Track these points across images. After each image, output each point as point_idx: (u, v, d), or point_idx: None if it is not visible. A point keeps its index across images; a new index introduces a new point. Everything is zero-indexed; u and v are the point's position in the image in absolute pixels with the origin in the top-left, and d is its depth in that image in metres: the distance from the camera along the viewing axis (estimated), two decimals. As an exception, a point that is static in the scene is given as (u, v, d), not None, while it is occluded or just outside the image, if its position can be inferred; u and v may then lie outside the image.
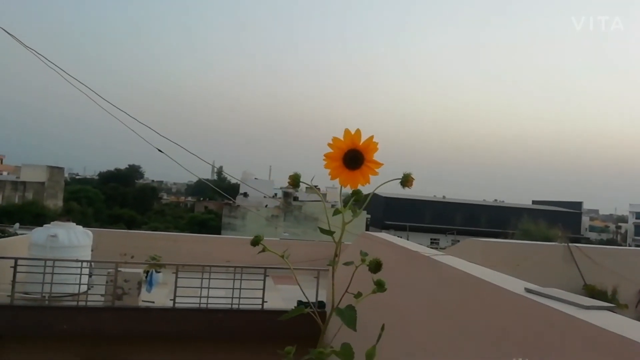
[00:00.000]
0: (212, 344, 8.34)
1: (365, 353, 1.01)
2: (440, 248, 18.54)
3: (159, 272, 9.65)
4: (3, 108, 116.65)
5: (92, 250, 9.16)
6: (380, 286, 1.06)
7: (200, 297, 8.06)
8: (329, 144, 1.02)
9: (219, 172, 69.31)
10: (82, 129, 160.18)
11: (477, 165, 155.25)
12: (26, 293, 8.04)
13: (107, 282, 8.06)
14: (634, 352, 2.18)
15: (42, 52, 7.39)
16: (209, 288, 8.05)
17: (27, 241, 8.96)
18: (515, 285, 3.40)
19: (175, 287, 7.98)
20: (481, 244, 8.73)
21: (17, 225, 16.19)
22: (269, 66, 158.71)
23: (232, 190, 45.18)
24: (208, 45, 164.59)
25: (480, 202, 63.38)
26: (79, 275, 8.12)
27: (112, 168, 72.18)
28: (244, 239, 11.89)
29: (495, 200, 69.74)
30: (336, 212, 1.04)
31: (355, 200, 1.06)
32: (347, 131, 1.00)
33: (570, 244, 8.77)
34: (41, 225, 9.21)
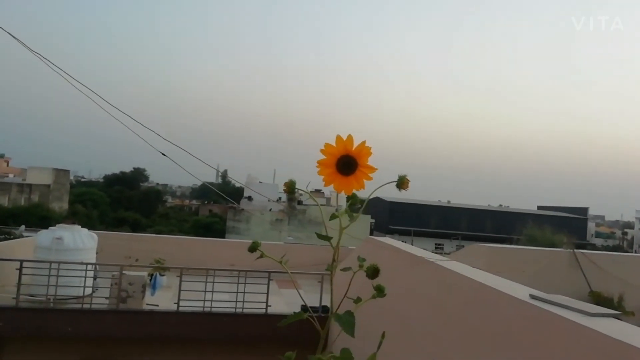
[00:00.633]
0: (215, 348, 8.33)
1: None
2: (445, 253, 18.47)
3: (163, 275, 9.66)
4: (9, 111, 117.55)
5: (97, 253, 9.18)
6: (380, 291, 1.06)
7: (204, 300, 8.05)
8: (322, 150, 1.01)
9: (224, 175, 69.57)
10: (88, 132, 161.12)
11: (482, 170, 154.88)
12: (31, 295, 8.06)
13: (111, 285, 8.07)
14: (640, 360, 2.15)
15: (47, 55, 7.44)
16: (212, 292, 8.04)
17: (32, 243, 8.99)
18: (520, 291, 3.38)
19: (180, 290, 7.98)
20: (486, 250, 8.69)
21: (22, 227, 16.29)
22: (275, 69, 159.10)
23: (237, 193, 45.21)
24: (212, 49, 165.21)
25: (485, 208, 63.11)
26: (83, 278, 8.14)
27: (117, 171, 72.41)
28: (248, 243, 11.81)
29: (500, 205, 69.50)
30: (333, 216, 1.04)
31: (352, 205, 1.05)
32: (339, 137, 0.99)
33: (575, 250, 8.72)
34: (47, 228, 9.23)
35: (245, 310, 8.20)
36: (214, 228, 44.13)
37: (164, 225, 45.99)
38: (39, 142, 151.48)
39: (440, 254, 9.30)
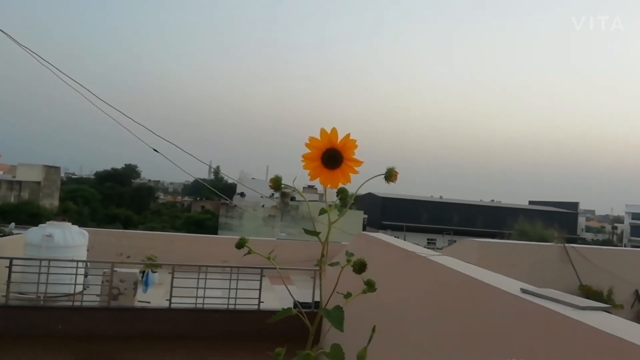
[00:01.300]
0: (208, 344, 8.32)
1: (356, 355, 1.00)
2: (437, 248, 18.56)
3: (155, 272, 9.62)
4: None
5: (87, 250, 9.12)
6: (370, 286, 1.05)
7: (197, 297, 8.04)
8: (306, 144, 0.99)
9: (216, 172, 69.33)
10: (79, 129, 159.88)
11: (474, 165, 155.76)
12: (21, 293, 7.99)
13: (102, 282, 8.03)
14: (630, 353, 2.18)
15: (37, 50, 7.37)
16: (205, 288, 8.03)
17: (22, 241, 8.91)
18: (511, 285, 3.40)
19: (172, 287, 7.95)
20: (477, 245, 8.74)
21: (12, 224, 16.15)
22: (266, 66, 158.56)
23: (229, 190, 45.17)
24: (204, 46, 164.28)
25: (477, 203, 63.52)
26: (74, 275, 8.08)
27: (108, 168, 71.95)
28: (240, 239, 11.85)
29: (492, 200, 69.94)
30: (322, 211, 1.03)
31: (342, 199, 1.04)
32: (323, 130, 0.98)
33: (566, 245, 8.80)
34: (37, 225, 9.16)
35: (237, 307, 8.19)
36: (206, 224, 44.02)
37: (156, 222, 45.81)
38: (29, 139, 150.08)
39: (433, 249, 9.34)
